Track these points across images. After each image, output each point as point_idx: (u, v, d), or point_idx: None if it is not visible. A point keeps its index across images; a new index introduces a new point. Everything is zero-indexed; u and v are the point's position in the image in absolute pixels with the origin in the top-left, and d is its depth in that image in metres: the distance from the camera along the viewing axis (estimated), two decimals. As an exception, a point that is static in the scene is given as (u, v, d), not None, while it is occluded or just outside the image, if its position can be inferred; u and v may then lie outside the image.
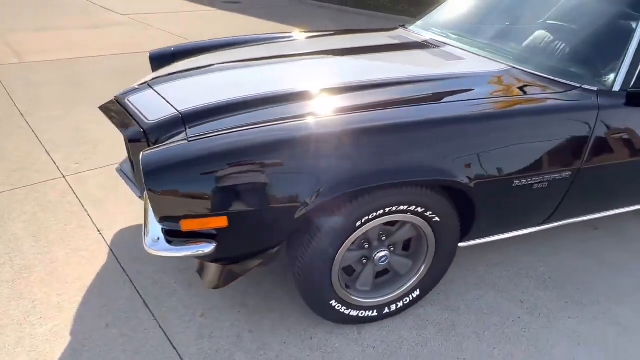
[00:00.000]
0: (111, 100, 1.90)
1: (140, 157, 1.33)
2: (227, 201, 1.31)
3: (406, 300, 1.76)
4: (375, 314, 1.72)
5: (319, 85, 1.74)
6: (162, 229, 1.40)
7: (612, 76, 1.76)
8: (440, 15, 2.62)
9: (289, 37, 2.56)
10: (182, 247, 1.36)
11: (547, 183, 1.67)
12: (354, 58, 2.09)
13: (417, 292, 1.76)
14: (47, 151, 2.95)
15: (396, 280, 1.74)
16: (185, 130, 1.56)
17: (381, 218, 1.50)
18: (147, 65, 5.03)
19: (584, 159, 1.69)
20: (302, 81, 1.78)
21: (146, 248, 1.36)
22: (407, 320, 1.79)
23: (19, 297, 1.79)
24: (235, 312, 1.79)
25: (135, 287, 1.88)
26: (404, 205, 1.49)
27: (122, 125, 1.70)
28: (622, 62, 1.75)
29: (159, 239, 1.37)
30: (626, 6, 1.84)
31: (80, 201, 2.44)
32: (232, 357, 1.59)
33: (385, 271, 1.77)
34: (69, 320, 1.70)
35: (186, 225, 1.32)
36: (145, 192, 1.73)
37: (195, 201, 1.30)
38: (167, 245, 1.37)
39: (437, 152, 1.45)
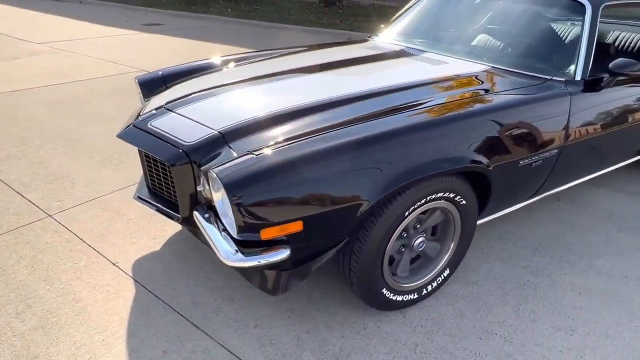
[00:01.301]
0: (130, 127, 1.87)
1: (216, 175, 1.38)
2: (303, 206, 1.40)
3: (439, 280, 1.95)
4: (415, 296, 1.89)
5: (344, 93, 1.88)
6: (236, 240, 1.45)
7: (573, 68, 2.13)
8: (406, 25, 2.90)
9: (279, 53, 2.67)
10: (261, 255, 1.42)
11: (541, 161, 1.97)
12: (359, 68, 2.26)
13: (447, 271, 1.96)
14: (19, 193, 2.74)
15: (429, 263, 1.93)
16: (230, 147, 1.62)
17: (423, 206, 1.68)
18: (87, 93, 4.78)
19: (566, 136, 2.02)
20: (322, 92, 1.91)
21: (227, 262, 1.40)
22: (440, 299, 1.98)
23: (57, 341, 1.69)
24: (285, 317, 1.85)
25: (178, 312, 1.86)
26: (440, 192, 1.68)
27: (156, 150, 1.70)
28: (578, 56, 2.13)
29: (237, 251, 1.42)
30: (574, 13, 2.24)
31: (80, 238, 2.32)
32: (300, 358, 1.66)
33: (414, 260, 1.94)
34: (122, 355, 1.65)
35: (266, 234, 1.39)
36: (185, 215, 1.74)
37: (274, 210, 1.37)
38: (245, 256, 1.42)
39: (469, 143, 1.67)
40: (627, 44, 3.28)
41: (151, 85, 2.43)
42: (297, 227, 1.41)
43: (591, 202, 2.84)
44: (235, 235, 1.41)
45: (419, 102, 1.82)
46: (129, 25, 9.95)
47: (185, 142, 1.68)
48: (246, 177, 1.36)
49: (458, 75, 2.11)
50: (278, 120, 1.74)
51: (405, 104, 1.80)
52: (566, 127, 2.01)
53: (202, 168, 1.58)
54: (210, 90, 2.06)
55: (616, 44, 3.33)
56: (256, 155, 1.45)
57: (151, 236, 2.35)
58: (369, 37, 3.03)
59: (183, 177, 1.66)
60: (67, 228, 2.40)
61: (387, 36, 2.88)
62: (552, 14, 2.33)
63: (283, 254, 1.43)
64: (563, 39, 2.24)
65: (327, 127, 1.63)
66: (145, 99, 2.37)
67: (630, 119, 2.37)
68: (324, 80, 2.12)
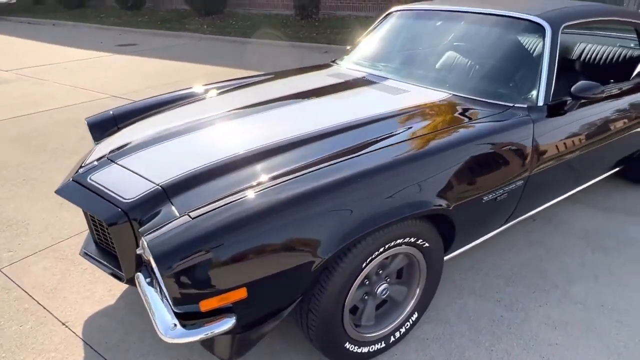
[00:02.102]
0: (69, 182, 1.75)
1: (147, 244, 1.27)
2: (245, 272, 1.29)
3: (407, 325, 1.85)
4: (382, 345, 1.79)
5: (291, 136, 1.78)
6: (176, 312, 1.33)
7: (535, 93, 2.06)
8: (370, 49, 2.83)
9: (233, 85, 2.58)
10: (203, 327, 1.30)
11: (506, 194, 1.89)
12: (314, 102, 2.17)
13: (415, 315, 1.86)
14: (-32, 243, 2.59)
15: (396, 308, 1.83)
16: (172, 204, 1.51)
17: (382, 254, 1.58)
18: (53, 124, 4.63)
19: (531, 166, 1.95)
20: (273, 134, 1.82)
21: (165, 339, 1.28)
22: (410, 344, 1.88)
23: None
24: (245, 377, 1.74)
25: (129, 378, 1.73)
26: (400, 238, 1.59)
27: (94, 208, 1.59)
28: (540, 81, 2.06)
29: (175, 325, 1.30)
30: (535, 34, 2.18)
31: (29, 295, 2.17)
32: None
33: (381, 304, 1.84)
34: None
35: (206, 305, 1.28)
36: (130, 276, 1.63)
37: (213, 278, 1.26)
38: (185, 330, 1.30)
39: (427, 183, 1.58)
40: (593, 57, 3.25)
41: (102, 127, 2.31)
42: (240, 294, 1.30)
43: (566, 220, 2.78)
44: (172, 308, 1.30)
45: (374, 141, 1.73)
46: (103, 46, 9.79)
47: (124, 199, 1.56)
48: (179, 245, 1.25)
49: (417, 107, 2.03)
50: (226, 169, 1.63)
51: (359, 144, 1.71)
52: (531, 156, 1.94)
53: (140, 230, 1.46)
54: (159, 135, 1.95)
55: (583, 57, 3.29)
56: (192, 217, 1.34)
57: (107, 287, 2.22)
58: (333, 61, 2.95)
59: (123, 237, 1.55)
60: (16, 283, 2.25)
61: (350, 61, 2.80)
62: (512, 37, 2.27)
63: (228, 323, 1.32)
64: (524, 63, 2.18)
65: (275, 177, 1.53)
66: (96, 142, 2.25)
67: (599, 137, 2.31)
68: (280, 118, 2.03)
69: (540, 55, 2.12)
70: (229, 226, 1.30)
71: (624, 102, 2.47)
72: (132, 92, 5.86)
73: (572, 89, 2.03)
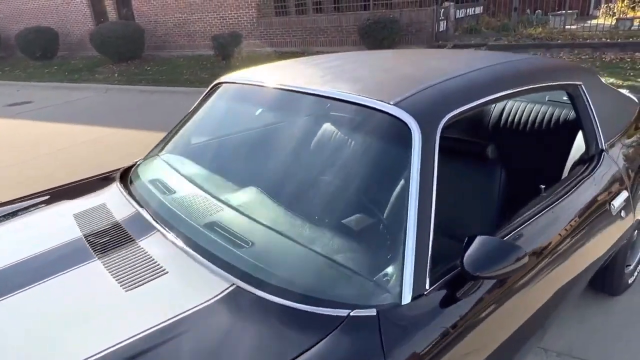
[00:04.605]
0: None
1: None
2: None
3: None
4: None
5: None
6: None
7: (395, 284, 1.00)
8: (172, 150, 1.76)
9: None
10: None
11: None
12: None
13: None
14: None
15: None
16: None
17: None
18: None
19: None
20: None
21: None
22: None
23: None
24: None
25: None
26: None
27: None
28: (405, 248, 1.02)
29: None
30: (397, 140, 1.16)
31: None
32: None
33: None
34: None
35: None
36: None
37: None
38: None
39: None
40: (511, 124, 2.26)
41: None
42: None
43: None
44: None
45: None
46: (-13, 108, 8.39)
47: None
48: None
49: (160, 332, 0.94)
50: None
51: None
52: None
53: None
54: None
55: (494, 125, 2.30)
56: None
57: None
58: (120, 171, 1.85)
59: None
60: None
61: (141, 172, 1.71)
62: (357, 149, 1.24)
63: None
64: (377, 229, 1.13)
65: None
66: None
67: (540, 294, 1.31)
68: None
69: (405, 192, 1.08)
70: None
71: (568, 209, 1.50)
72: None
73: (465, 260, 1.00)
